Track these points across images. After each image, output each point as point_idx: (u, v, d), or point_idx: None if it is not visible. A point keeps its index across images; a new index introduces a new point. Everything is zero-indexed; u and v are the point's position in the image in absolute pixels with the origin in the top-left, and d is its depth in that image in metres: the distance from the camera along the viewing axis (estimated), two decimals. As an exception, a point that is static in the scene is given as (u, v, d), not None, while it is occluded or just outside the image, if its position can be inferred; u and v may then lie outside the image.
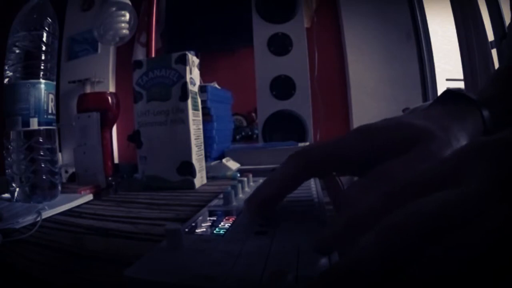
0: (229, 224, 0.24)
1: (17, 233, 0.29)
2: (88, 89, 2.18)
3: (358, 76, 2.05)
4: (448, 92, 0.27)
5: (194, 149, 0.51)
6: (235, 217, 0.26)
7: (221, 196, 0.32)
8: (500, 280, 0.10)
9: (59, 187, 0.44)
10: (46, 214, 0.35)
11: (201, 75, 0.57)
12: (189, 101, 0.50)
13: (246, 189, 0.37)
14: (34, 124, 0.41)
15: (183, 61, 0.50)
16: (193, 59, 0.53)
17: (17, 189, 0.40)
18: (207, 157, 0.71)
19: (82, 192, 0.47)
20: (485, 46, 1.55)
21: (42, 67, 0.42)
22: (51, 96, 0.43)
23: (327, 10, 2.12)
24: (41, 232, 0.30)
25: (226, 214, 0.27)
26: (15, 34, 0.41)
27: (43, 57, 0.42)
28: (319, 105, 1.91)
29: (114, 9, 0.91)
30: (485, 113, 0.25)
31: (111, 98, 0.83)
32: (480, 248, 0.11)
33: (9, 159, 0.40)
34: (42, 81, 0.42)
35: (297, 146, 0.79)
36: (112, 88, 2.29)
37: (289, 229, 0.22)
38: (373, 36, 2.01)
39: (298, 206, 0.28)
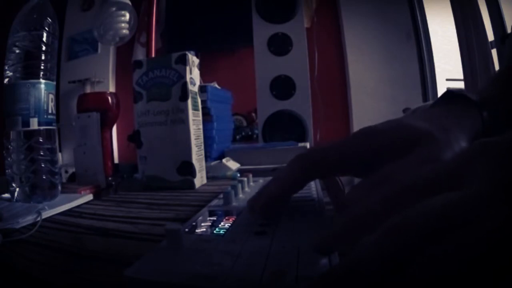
0: (229, 224, 0.24)
1: (17, 233, 0.29)
2: (88, 89, 2.18)
3: (358, 76, 2.05)
4: (449, 92, 0.27)
5: (194, 149, 0.51)
6: (235, 217, 0.26)
7: (221, 196, 0.32)
8: (500, 280, 0.10)
9: (59, 187, 0.44)
10: (46, 214, 0.35)
11: (201, 75, 0.57)
12: (189, 101, 0.50)
13: (246, 189, 0.37)
14: (34, 124, 0.41)
15: (183, 61, 0.50)
16: (193, 59, 0.53)
17: (17, 189, 0.40)
18: (207, 157, 0.71)
19: (82, 192, 0.47)
20: (485, 46, 1.55)
21: (42, 67, 0.42)
22: (51, 96, 0.43)
23: (327, 10, 2.12)
24: (41, 232, 0.30)
25: (226, 214, 0.27)
26: (15, 34, 0.41)
27: (43, 57, 0.42)
28: (319, 105, 1.91)
29: (114, 9, 0.91)
30: (485, 114, 0.25)
31: (111, 98, 0.83)
32: (480, 248, 0.11)
33: (9, 159, 0.40)
34: (42, 81, 0.42)
35: (297, 146, 0.79)
36: (112, 88, 2.29)
37: (289, 229, 0.22)
38: (373, 36, 2.01)
39: (298, 206, 0.28)
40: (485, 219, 0.12)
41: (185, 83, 0.50)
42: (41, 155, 0.41)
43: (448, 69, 1.88)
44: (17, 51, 0.41)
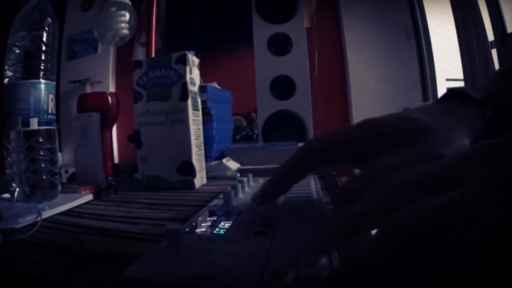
0: (229, 224, 0.24)
1: (17, 233, 0.29)
2: (88, 89, 2.18)
3: (358, 76, 2.05)
4: (452, 90, 0.27)
5: (194, 149, 0.51)
6: (235, 217, 0.26)
7: (221, 196, 0.32)
8: (500, 280, 0.10)
9: (59, 187, 0.44)
10: (46, 214, 0.35)
11: (201, 75, 0.57)
12: (189, 101, 0.50)
13: (246, 189, 0.37)
14: (34, 124, 0.41)
15: (183, 61, 0.50)
16: (193, 59, 0.53)
17: (17, 189, 0.40)
18: (207, 157, 0.71)
19: (82, 192, 0.47)
20: (485, 46, 1.55)
21: (42, 67, 0.42)
22: (51, 96, 0.43)
23: (327, 10, 2.12)
24: (41, 232, 0.30)
25: (226, 214, 0.27)
26: (15, 34, 0.41)
27: (43, 57, 0.42)
28: (319, 105, 1.91)
29: (114, 9, 0.91)
30: (488, 112, 0.25)
31: (111, 98, 0.83)
32: (481, 248, 0.11)
33: (9, 159, 0.40)
34: (42, 81, 0.42)
35: (297, 146, 0.79)
36: (112, 88, 2.29)
37: (289, 229, 0.22)
38: (373, 36, 2.01)
39: (298, 206, 0.28)
40: (486, 219, 0.12)
41: (185, 83, 0.50)
42: (41, 155, 0.41)
43: (448, 69, 1.88)
44: (17, 51, 0.41)
